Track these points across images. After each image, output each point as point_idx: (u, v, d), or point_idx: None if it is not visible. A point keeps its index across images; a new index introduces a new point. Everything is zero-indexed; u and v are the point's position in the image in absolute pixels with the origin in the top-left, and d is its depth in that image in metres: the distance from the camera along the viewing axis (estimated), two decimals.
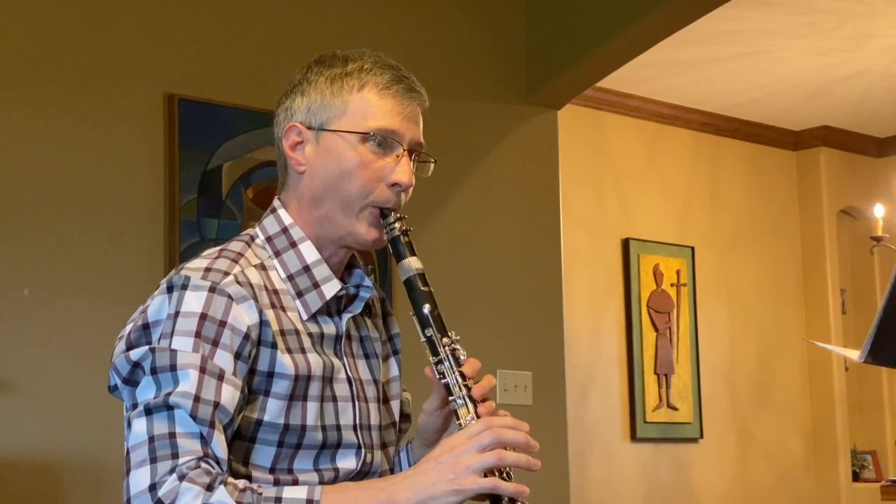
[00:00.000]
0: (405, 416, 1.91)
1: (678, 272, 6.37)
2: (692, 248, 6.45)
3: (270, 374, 1.64)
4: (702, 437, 6.37)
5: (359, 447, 1.73)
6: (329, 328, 1.74)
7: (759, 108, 6.56)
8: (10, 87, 3.41)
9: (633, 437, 6.09)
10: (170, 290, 1.63)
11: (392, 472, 1.84)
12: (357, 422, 1.73)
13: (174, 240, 3.57)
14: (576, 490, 5.18)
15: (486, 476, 1.55)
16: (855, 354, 2.43)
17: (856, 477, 6.86)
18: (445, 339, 1.70)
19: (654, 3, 4.10)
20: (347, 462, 1.71)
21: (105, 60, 3.57)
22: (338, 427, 1.70)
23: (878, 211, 6.18)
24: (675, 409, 6.24)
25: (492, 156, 4.42)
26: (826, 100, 6.42)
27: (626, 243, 6.19)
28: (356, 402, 1.74)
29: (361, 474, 1.73)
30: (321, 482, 1.67)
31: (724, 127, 6.67)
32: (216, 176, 3.69)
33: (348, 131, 1.71)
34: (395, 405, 1.85)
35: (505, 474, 1.58)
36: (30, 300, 3.34)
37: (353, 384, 1.74)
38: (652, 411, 6.16)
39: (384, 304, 1.91)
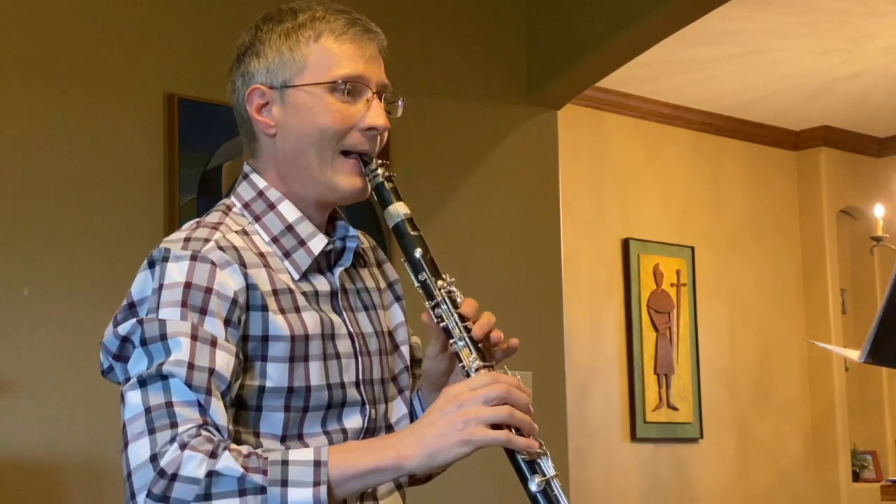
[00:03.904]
0: (416, 362, 1.87)
1: (678, 272, 6.37)
2: (692, 248, 6.44)
3: (265, 338, 1.60)
4: (702, 437, 6.37)
5: (363, 404, 1.69)
6: (322, 285, 1.70)
7: (759, 108, 6.56)
8: (10, 87, 3.41)
9: (633, 437, 6.09)
10: (151, 265, 1.60)
11: (412, 416, 1.81)
12: (360, 377, 1.70)
13: None
14: (576, 490, 5.18)
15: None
16: (855, 354, 2.43)
17: (856, 477, 6.86)
18: (440, 282, 1.67)
19: (654, 3, 4.10)
20: (354, 421, 1.68)
21: (105, 60, 3.57)
22: (342, 385, 1.67)
23: (878, 211, 6.18)
24: (675, 409, 6.24)
25: (492, 156, 4.42)
26: (826, 100, 6.42)
27: (626, 243, 6.19)
28: (359, 358, 1.70)
29: (368, 431, 1.70)
30: (331, 444, 1.63)
31: (724, 127, 6.67)
32: (216, 176, 3.69)
33: (314, 84, 1.68)
34: (404, 349, 1.81)
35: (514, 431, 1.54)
36: (30, 300, 3.34)
37: (356, 339, 1.71)
38: (652, 411, 6.16)
39: (376, 251, 1.87)
